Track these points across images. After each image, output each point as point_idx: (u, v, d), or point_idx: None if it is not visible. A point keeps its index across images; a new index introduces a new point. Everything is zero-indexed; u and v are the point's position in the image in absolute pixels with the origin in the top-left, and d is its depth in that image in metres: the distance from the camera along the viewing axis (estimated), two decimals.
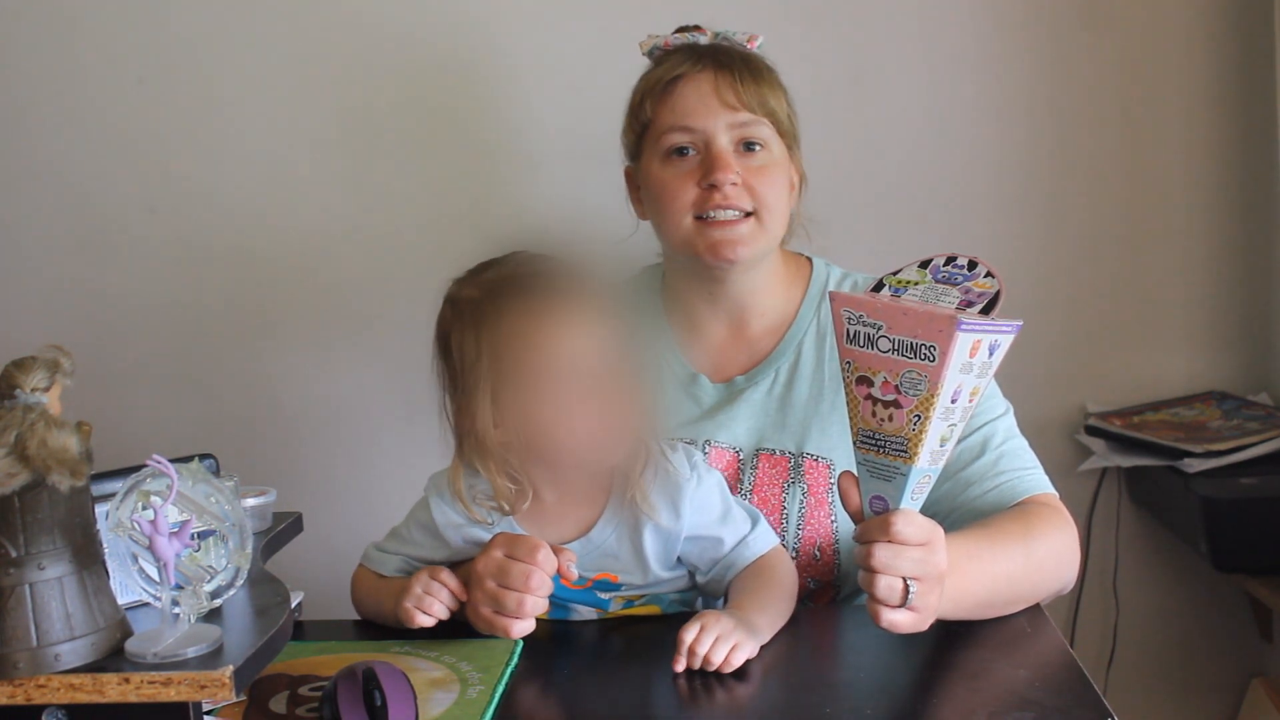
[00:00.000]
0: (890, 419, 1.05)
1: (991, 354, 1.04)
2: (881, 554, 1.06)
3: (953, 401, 1.03)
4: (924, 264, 1.11)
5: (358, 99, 2.03)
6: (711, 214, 1.39)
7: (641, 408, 1.24)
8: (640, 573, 1.26)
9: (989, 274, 1.07)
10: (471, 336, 1.22)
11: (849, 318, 1.06)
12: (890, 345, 1.03)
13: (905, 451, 1.05)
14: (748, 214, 1.40)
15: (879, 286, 1.11)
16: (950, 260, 1.10)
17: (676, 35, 1.47)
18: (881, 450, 1.06)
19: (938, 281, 1.09)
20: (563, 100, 2.00)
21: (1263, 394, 2.00)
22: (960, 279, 1.08)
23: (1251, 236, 2.01)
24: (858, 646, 1.28)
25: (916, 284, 1.10)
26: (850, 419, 1.08)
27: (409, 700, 1.04)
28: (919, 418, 1.03)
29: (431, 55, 2.01)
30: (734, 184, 1.39)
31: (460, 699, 1.10)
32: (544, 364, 1.19)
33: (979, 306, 1.05)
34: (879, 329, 1.04)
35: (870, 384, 1.05)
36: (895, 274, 1.12)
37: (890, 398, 1.04)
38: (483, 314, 1.22)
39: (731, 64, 1.42)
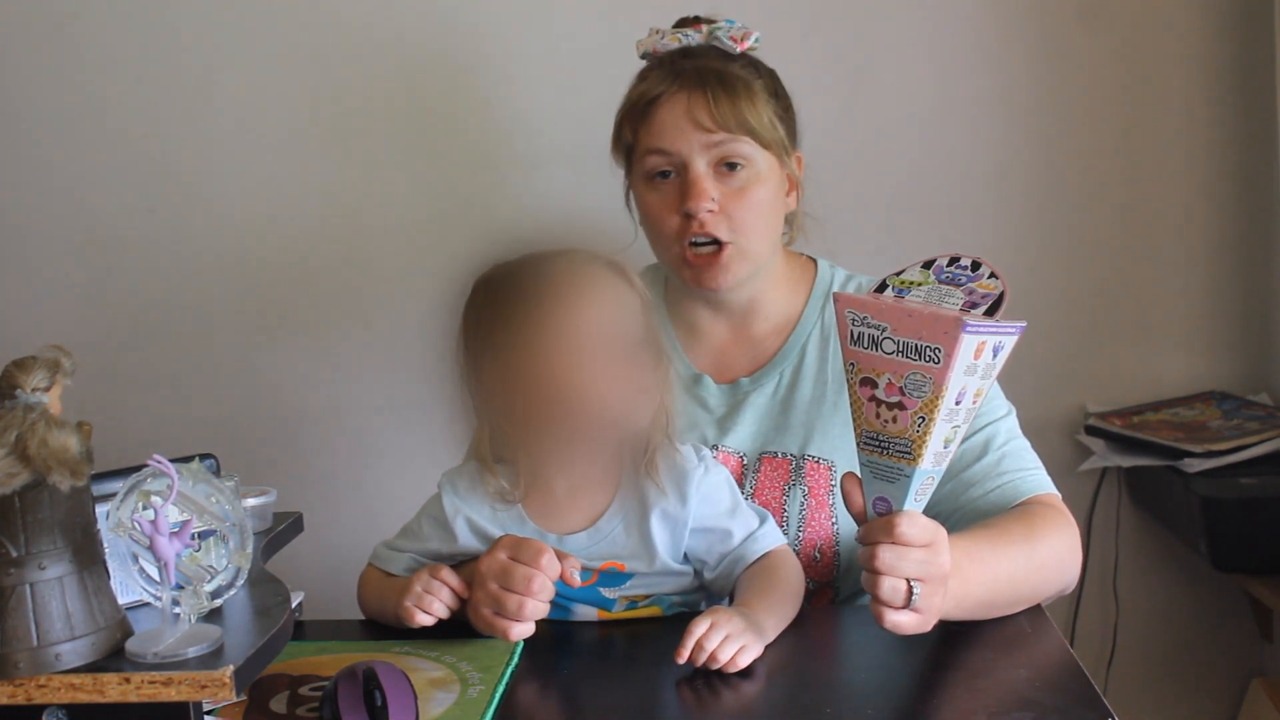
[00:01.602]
0: (894, 420, 1.05)
1: (996, 355, 1.04)
2: (885, 555, 1.06)
3: (957, 403, 1.03)
4: (927, 264, 1.11)
5: (357, 100, 2.03)
6: (694, 240, 1.40)
7: (665, 377, 1.26)
8: (647, 561, 1.26)
9: (993, 275, 1.07)
10: (510, 302, 1.24)
11: (853, 319, 1.06)
12: (895, 347, 1.03)
13: (909, 453, 1.05)
14: (730, 240, 1.40)
15: (882, 287, 1.11)
16: (954, 261, 1.10)
17: (672, 31, 1.47)
18: (885, 452, 1.06)
19: (941, 282, 1.09)
20: (562, 102, 2.00)
21: (1263, 394, 2.00)
22: (964, 280, 1.08)
23: (1251, 237, 2.01)
24: (858, 646, 1.28)
25: (920, 285, 1.09)
26: (854, 420, 1.08)
27: (409, 700, 1.04)
28: (923, 419, 1.03)
29: (432, 57, 2.02)
30: (710, 211, 1.39)
31: (461, 699, 1.10)
32: (579, 325, 1.21)
33: (983, 308, 1.05)
34: (883, 330, 1.04)
35: (874, 385, 1.05)
36: (899, 274, 1.12)
37: (894, 399, 1.04)
38: (521, 281, 1.25)
39: (705, 83, 1.40)
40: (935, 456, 1.05)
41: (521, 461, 1.28)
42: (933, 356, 1.01)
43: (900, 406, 1.04)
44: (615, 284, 1.25)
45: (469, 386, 1.27)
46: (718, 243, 1.40)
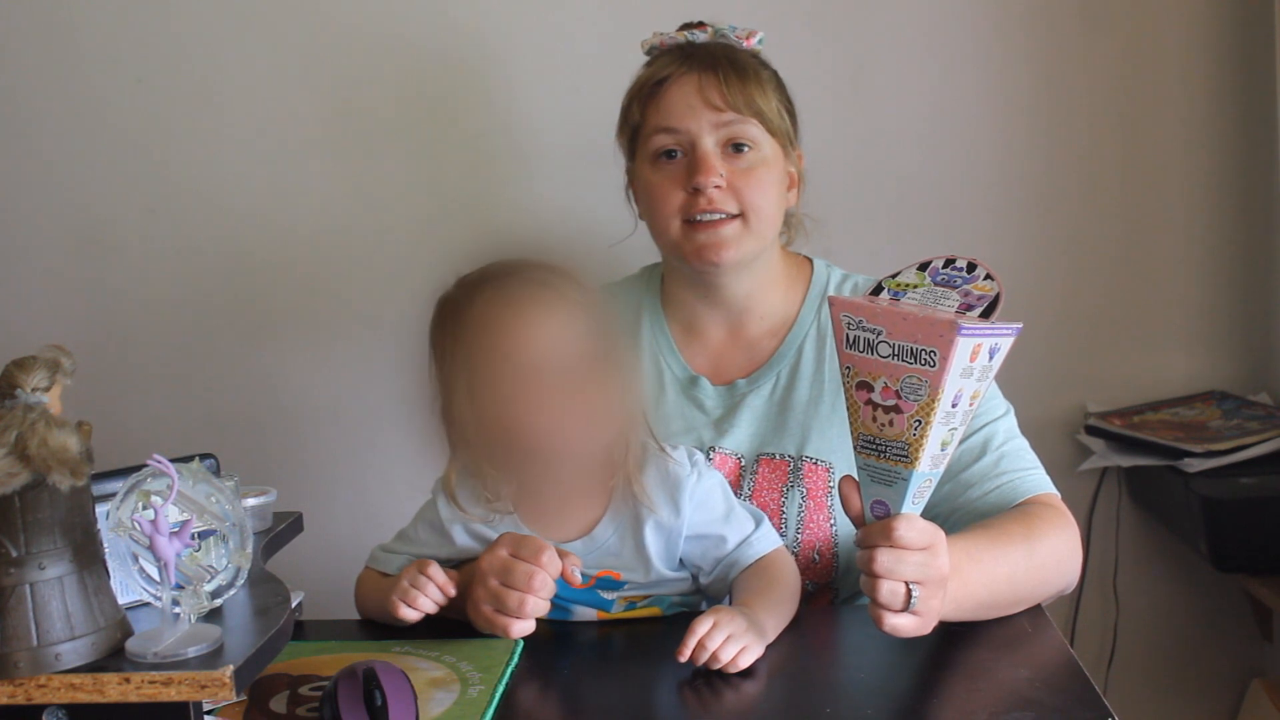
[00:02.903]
0: (891, 424, 1.05)
1: (992, 357, 1.04)
2: (884, 559, 1.06)
3: (953, 406, 1.03)
4: (923, 266, 1.11)
5: (357, 99, 2.03)
6: (698, 217, 1.40)
7: (619, 400, 1.23)
8: (642, 570, 1.26)
9: (988, 276, 1.07)
10: (451, 330, 1.24)
11: (849, 323, 1.06)
12: (890, 350, 1.03)
13: (906, 456, 1.05)
14: (734, 216, 1.40)
15: (878, 289, 1.11)
16: (949, 262, 1.10)
17: (678, 33, 1.48)
18: (882, 455, 1.06)
19: (936, 284, 1.09)
20: (562, 100, 2.00)
21: (1263, 394, 2.00)
22: (959, 281, 1.08)
23: (1251, 236, 2.01)
24: (858, 647, 1.28)
25: (915, 287, 1.09)
26: (851, 424, 1.08)
27: (409, 700, 1.04)
28: (920, 423, 1.03)
29: (431, 55, 2.02)
30: (718, 186, 1.39)
31: (461, 699, 1.10)
32: (509, 352, 1.19)
33: (979, 310, 1.05)
34: (879, 334, 1.04)
35: (870, 389, 1.05)
36: (894, 277, 1.12)
37: (890, 403, 1.04)
38: (460, 308, 1.24)
39: (717, 65, 1.41)
40: (932, 459, 1.05)
41: (503, 487, 1.27)
42: (928, 360, 1.01)
43: (897, 410, 1.04)
44: (554, 310, 1.21)
45: (437, 416, 1.27)
46: (725, 216, 1.39)
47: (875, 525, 1.08)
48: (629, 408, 1.25)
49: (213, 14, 2.02)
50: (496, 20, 2.01)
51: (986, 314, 1.04)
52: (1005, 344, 1.04)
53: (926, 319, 1.01)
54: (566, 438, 1.20)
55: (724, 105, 1.40)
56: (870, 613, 1.09)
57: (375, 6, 2.02)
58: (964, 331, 0.99)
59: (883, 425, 1.05)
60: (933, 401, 1.02)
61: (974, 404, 1.05)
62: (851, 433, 1.08)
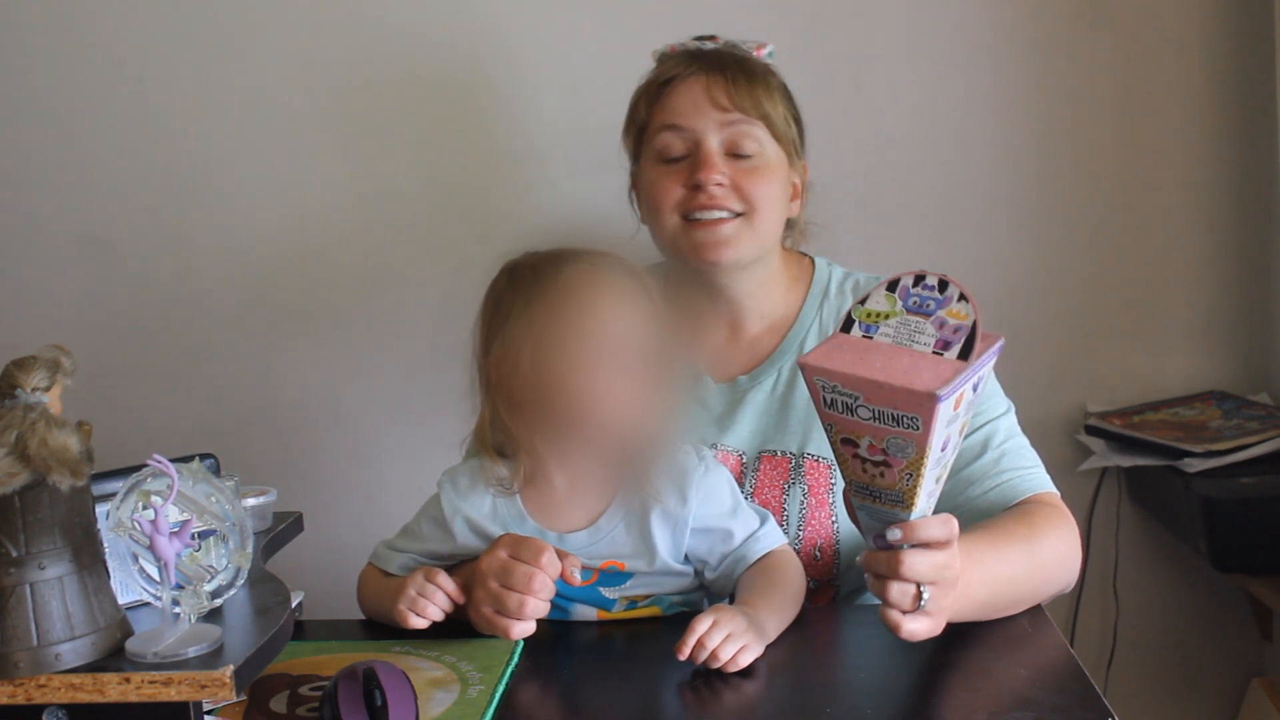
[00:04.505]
0: (882, 475, 1.02)
1: (977, 388, 1.01)
2: (910, 563, 1.05)
3: (943, 450, 1.00)
4: (891, 286, 1.04)
5: (359, 99, 2.03)
6: (697, 215, 1.40)
7: (673, 396, 1.27)
8: (647, 558, 1.26)
9: (962, 296, 1.01)
10: (525, 295, 1.25)
11: (823, 386, 1.00)
12: (870, 414, 0.99)
13: (902, 502, 1.02)
14: (736, 214, 1.40)
15: (849, 323, 1.04)
16: (919, 280, 1.03)
17: (689, 43, 1.48)
18: (878, 500, 1.04)
19: (910, 311, 1.02)
20: (566, 101, 2.00)
21: (1263, 394, 2.00)
22: (933, 306, 1.02)
23: (1251, 236, 2.01)
24: (859, 646, 1.28)
25: (888, 316, 1.03)
26: (841, 471, 1.05)
27: (409, 700, 1.04)
28: (911, 475, 1.00)
29: (434, 56, 2.01)
30: (720, 184, 1.39)
31: (461, 698, 1.10)
32: (592, 323, 1.22)
33: (957, 346, 0.99)
34: (856, 399, 0.99)
35: (856, 445, 1.01)
36: (863, 303, 1.05)
37: (879, 459, 1.01)
38: (541, 276, 1.25)
39: (725, 66, 1.42)
40: (928, 496, 1.03)
41: (522, 454, 1.28)
42: (911, 424, 0.97)
43: (886, 464, 1.01)
44: (635, 297, 1.25)
45: (479, 366, 1.28)
46: (728, 214, 1.40)
47: (880, 556, 1.06)
48: (676, 403, 1.28)
49: (213, 14, 2.02)
50: (499, 21, 2.00)
51: (966, 348, 0.99)
52: (988, 369, 1.01)
53: (904, 390, 0.96)
54: (619, 414, 1.22)
55: (730, 105, 1.40)
56: (884, 619, 1.07)
57: (377, 7, 2.02)
58: (944, 397, 0.95)
59: (874, 476, 1.02)
60: (921, 457, 0.99)
61: (964, 433, 1.04)
62: (843, 477, 1.06)
